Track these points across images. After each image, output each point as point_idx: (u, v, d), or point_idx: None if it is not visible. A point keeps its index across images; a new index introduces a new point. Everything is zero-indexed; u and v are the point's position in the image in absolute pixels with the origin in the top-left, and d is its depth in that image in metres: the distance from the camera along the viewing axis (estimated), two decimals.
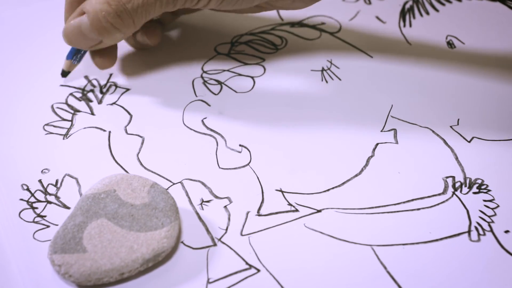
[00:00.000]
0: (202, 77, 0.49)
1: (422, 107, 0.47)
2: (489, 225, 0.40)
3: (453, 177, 0.43)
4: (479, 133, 0.45)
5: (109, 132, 0.45)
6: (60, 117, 0.46)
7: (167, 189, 0.42)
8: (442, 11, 0.54)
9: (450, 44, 0.52)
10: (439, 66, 0.50)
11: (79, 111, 0.47)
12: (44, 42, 0.51)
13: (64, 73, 0.48)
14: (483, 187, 0.42)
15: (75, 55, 0.47)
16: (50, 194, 0.42)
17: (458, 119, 0.46)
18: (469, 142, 0.45)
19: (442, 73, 0.49)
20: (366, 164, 0.44)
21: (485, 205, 0.41)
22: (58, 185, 0.42)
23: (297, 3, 0.46)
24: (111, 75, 0.49)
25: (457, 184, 0.42)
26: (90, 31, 0.43)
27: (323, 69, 0.50)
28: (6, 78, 0.49)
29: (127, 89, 0.48)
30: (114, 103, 0.47)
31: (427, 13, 0.54)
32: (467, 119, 0.46)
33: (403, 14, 0.54)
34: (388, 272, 0.38)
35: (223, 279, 0.38)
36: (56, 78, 0.48)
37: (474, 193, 0.42)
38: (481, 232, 0.40)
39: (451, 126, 0.46)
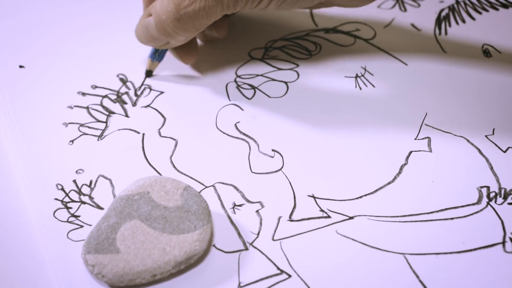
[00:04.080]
0: (235, 81, 0.49)
1: (456, 115, 0.46)
2: None
3: (488, 187, 0.42)
4: None
5: (143, 134, 0.46)
6: (95, 118, 0.47)
7: (199, 192, 0.42)
8: (479, 19, 0.54)
9: (486, 52, 0.51)
10: (475, 75, 0.49)
11: (113, 113, 0.47)
12: (81, 45, 0.52)
13: (148, 73, 0.49)
14: None
15: (154, 54, 0.48)
16: (84, 195, 0.42)
17: (494, 129, 0.46)
18: (505, 152, 0.44)
19: (477, 82, 0.49)
20: (399, 172, 0.43)
21: None
22: (92, 186, 0.42)
23: (355, 1, 0.46)
24: (145, 78, 0.49)
25: (492, 194, 0.42)
26: (156, 33, 0.45)
27: (357, 76, 0.49)
28: (44, 80, 0.49)
29: (161, 92, 0.48)
30: (148, 105, 0.48)
31: (463, 21, 0.54)
32: (502, 129, 0.45)
33: (438, 22, 0.54)
34: (421, 281, 0.38)
35: (254, 284, 0.38)
36: (91, 80, 0.49)
37: (509, 203, 0.41)
38: None
39: (486, 136, 0.45)
